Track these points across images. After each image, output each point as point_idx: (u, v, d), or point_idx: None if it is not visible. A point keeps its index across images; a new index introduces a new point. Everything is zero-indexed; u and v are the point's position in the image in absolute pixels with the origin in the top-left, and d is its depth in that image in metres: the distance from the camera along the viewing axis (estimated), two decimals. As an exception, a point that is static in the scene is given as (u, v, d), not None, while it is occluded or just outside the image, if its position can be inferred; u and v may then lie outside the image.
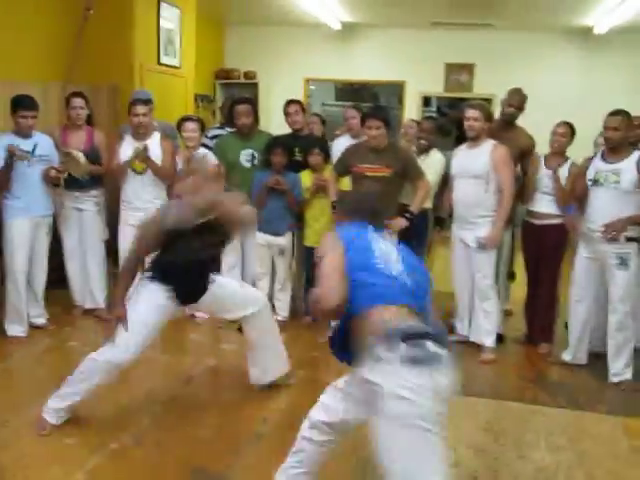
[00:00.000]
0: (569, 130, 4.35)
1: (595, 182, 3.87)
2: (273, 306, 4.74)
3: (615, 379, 3.92)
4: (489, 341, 4.27)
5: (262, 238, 4.65)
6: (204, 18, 7.65)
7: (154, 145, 4.47)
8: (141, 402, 3.41)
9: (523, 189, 4.42)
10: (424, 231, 4.69)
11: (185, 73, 6.83)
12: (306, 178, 4.62)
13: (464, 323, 4.49)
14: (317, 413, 2.44)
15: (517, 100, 4.50)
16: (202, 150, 4.61)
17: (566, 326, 4.31)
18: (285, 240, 4.68)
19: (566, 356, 4.20)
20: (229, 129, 5.15)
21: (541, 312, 4.49)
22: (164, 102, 5.90)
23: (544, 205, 4.35)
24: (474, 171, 4.13)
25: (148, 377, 3.77)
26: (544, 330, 4.49)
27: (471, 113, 4.14)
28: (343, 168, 4.41)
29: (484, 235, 4.12)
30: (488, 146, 4.14)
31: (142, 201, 4.47)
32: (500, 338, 4.50)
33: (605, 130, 3.86)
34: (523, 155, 4.45)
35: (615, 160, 3.81)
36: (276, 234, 4.64)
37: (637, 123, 4.26)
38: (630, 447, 3.16)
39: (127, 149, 4.47)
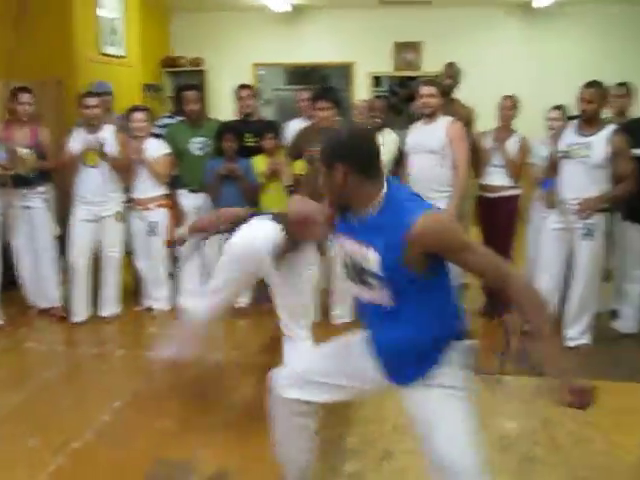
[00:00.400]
0: (514, 103, 4.42)
1: (566, 155, 3.87)
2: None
3: (571, 343, 4.02)
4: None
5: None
6: (148, 5, 7.49)
7: (108, 138, 4.37)
8: (102, 398, 3.36)
9: (475, 163, 4.47)
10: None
11: (131, 62, 6.69)
12: (260, 163, 4.59)
13: None
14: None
15: (451, 71, 4.65)
16: (152, 140, 4.53)
17: None
18: None
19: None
20: (179, 118, 5.10)
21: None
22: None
23: (496, 178, 4.41)
24: (430, 146, 4.15)
25: (107, 373, 3.72)
26: (503, 300, 4.56)
27: (426, 90, 4.15)
28: (296, 151, 4.38)
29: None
30: (444, 122, 4.17)
31: (96, 195, 4.38)
32: None
33: (580, 102, 3.82)
34: (466, 126, 4.44)
35: (588, 133, 3.80)
36: None
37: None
38: (589, 410, 3.23)
39: (78, 142, 4.36)
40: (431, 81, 4.30)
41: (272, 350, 4.03)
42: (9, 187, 4.26)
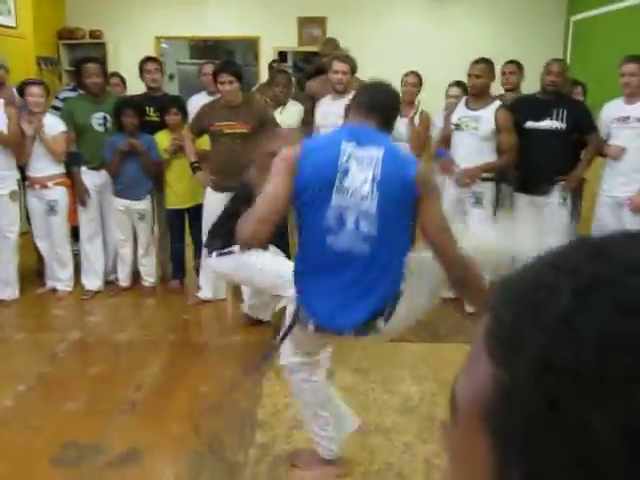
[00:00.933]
0: (417, 79, 4.53)
1: (457, 127, 4.09)
2: (138, 272, 4.67)
3: (470, 309, 4.25)
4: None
5: (120, 204, 4.50)
6: (39, -26, 7.13)
7: None
8: (3, 383, 3.24)
9: None
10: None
11: (23, 34, 6.38)
12: (163, 139, 4.50)
13: None
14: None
15: (331, 48, 4.99)
16: (49, 116, 4.35)
17: None
18: (144, 204, 4.56)
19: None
20: (81, 91, 4.93)
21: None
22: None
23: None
24: (334, 120, 4.18)
25: (8, 357, 3.60)
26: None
27: (340, 66, 4.21)
28: (199, 127, 4.32)
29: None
30: (350, 97, 4.22)
31: None
32: None
33: (468, 77, 4.03)
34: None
35: (476, 107, 4.02)
36: (135, 199, 4.50)
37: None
38: (485, 370, 3.43)
39: None
40: (345, 57, 4.32)
41: (180, 329, 4.04)
42: None
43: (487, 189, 4.10)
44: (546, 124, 4.02)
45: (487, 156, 4.01)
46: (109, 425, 2.86)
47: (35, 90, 4.30)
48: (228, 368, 3.42)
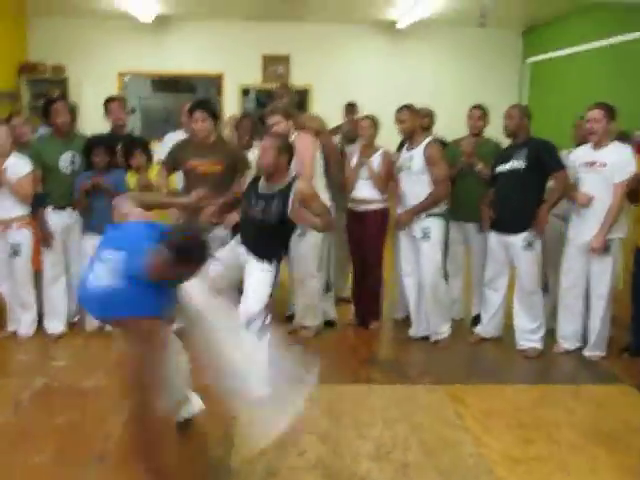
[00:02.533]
0: (372, 122, 4.64)
1: (399, 169, 4.40)
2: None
3: (434, 337, 4.46)
4: (308, 321, 4.59)
5: (94, 239, 4.45)
6: (1, 7, 7.07)
7: None
8: (-35, 435, 3.15)
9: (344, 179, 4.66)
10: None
11: (-17, 69, 6.29)
12: (130, 179, 4.48)
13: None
14: None
15: (283, 90, 4.93)
16: (15, 156, 4.26)
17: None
18: None
19: (411, 332, 4.59)
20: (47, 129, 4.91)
21: (369, 292, 4.77)
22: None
23: (364, 191, 4.59)
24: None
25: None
26: (373, 309, 4.79)
27: (273, 119, 4.21)
28: (173, 164, 4.35)
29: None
30: (296, 140, 4.27)
31: None
32: (332, 324, 4.77)
33: (396, 123, 4.34)
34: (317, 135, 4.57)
35: (411, 148, 4.33)
36: None
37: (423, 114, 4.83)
38: (455, 412, 3.47)
39: None
40: (274, 109, 4.32)
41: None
42: None
43: (432, 223, 4.29)
44: (508, 166, 4.20)
45: (425, 191, 4.25)
46: (77, 478, 2.79)
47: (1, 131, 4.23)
48: (197, 414, 3.38)
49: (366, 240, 4.65)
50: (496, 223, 4.31)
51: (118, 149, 4.53)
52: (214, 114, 4.21)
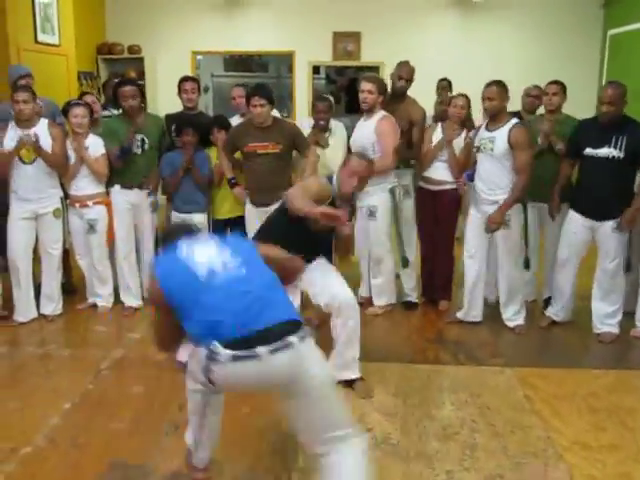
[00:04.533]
0: (467, 101, 4.55)
1: (478, 149, 4.17)
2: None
3: (510, 324, 4.33)
4: (378, 301, 4.60)
5: (179, 217, 4.64)
6: (80, -9, 7.29)
7: (42, 132, 4.23)
8: (50, 401, 3.32)
9: (418, 158, 4.60)
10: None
11: (66, 51, 6.52)
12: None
13: (366, 286, 4.79)
14: None
15: (406, 72, 4.55)
16: (92, 136, 4.43)
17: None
18: (201, 218, 4.68)
19: (460, 314, 4.46)
20: (114, 110, 5.04)
21: (440, 271, 4.73)
22: (46, 83, 5.62)
23: (439, 172, 4.54)
24: (362, 143, 4.35)
25: (54, 374, 3.68)
26: (444, 288, 4.75)
27: (365, 86, 4.29)
28: (233, 147, 4.48)
29: (373, 203, 4.38)
30: (375, 118, 4.34)
31: (33, 192, 4.27)
32: (412, 305, 4.79)
33: (482, 101, 4.09)
34: (412, 125, 4.55)
35: (493, 129, 4.07)
36: (192, 212, 4.63)
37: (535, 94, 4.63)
38: (524, 396, 3.42)
39: (12, 137, 4.20)
40: (372, 77, 4.41)
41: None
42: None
43: (513, 211, 4.12)
44: (604, 152, 3.95)
45: (508, 177, 4.04)
46: (154, 446, 2.91)
47: (78, 111, 4.38)
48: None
49: (440, 219, 4.60)
50: (583, 207, 4.10)
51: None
52: (270, 98, 4.27)
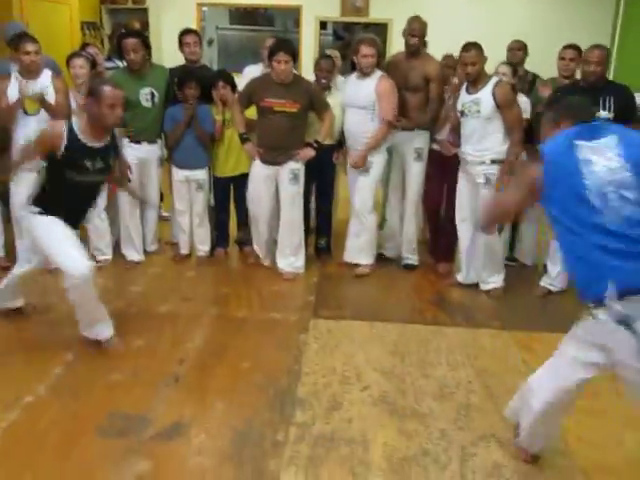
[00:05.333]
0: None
1: (462, 113, 4.15)
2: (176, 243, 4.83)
3: (484, 287, 4.40)
4: (363, 260, 4.62)
5: (180, 174, 4.62)
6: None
7: (46, 84, 4.18)
8: (51, 351, 3.36)
9: (437, 117, 4.51)
10: (332, 163, 4.73)
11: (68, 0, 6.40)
12: (216, 114, 4.57)
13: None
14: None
15: (418, 29, 4.39)
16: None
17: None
18: (203, 174, 4.66)
19: (460, 277, 4.48)
20: (118, 62, 4.97)
21: (443, 232, 4.73)
22: (49, 33, 5.56)
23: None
24: (360, 102, 4.32)
25: (55, 325, 3.71)
26: (445, 251, 4.76)
27: (365, 50, 4.25)
28: (247, 101, 4.38)
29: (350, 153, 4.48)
30: (375, 78, 4.30)
31: None
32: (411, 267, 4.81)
33: (462, 66, 4.06)
34: (429, 82, 4.41)
35: (474, 91, 4.06)
36: (194, 169, 4.61)
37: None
38: (521, 360, 3.46)
39: (15, 88, 4.13)
40: (371, 41, 4.30)
41: (220, 301, 4.12)
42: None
43: (496, 169, 4.12)
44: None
45: (495, 137, 4.06)
46: (154, 397, 2.96)
47: (77, 62, 4.34)
48: (268, 345, 3.51)
49: (446, 181, 4.57)
50: None
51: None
52: (294, 55, 4.21)
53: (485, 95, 4.00)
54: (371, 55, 4.24)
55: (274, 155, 4.31)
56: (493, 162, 4.10)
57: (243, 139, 4.43)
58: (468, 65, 3.99)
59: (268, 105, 4.23)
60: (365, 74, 4.32)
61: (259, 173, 4.40)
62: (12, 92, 4.15)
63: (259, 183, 4.39)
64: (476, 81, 4.03)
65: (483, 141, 4.08)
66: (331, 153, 4.64)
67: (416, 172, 4.60)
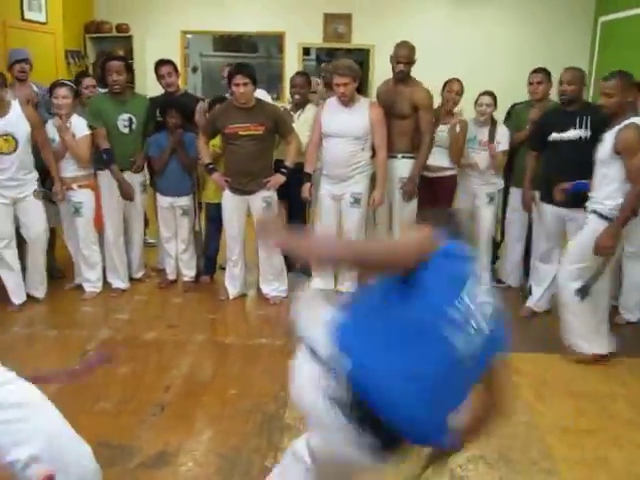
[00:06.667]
0: (460, 86, 4.58)
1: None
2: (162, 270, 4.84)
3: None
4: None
5: (165, 200, 4.63)
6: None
7: (16, 117, 4.08)
8: (35, 381, 3.32)
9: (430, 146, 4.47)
10: (301, 182, 4.54)
11: (53, 29, 6.46)
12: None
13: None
14: None
15: (405, 55, 4.36)
16: (76, 117, 4.35)
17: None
18: (187, 200, 4.68)
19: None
20: (101, 90, 4.96)
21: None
22: (34, 61, 5.53)
23: (438, 159, 4.56)
24: (355, 132, 4.24)
25: (41, 354, 3.68)
26: None
27: (342, 80, 4.14)
28: (212, 130, 4.34)
29: (374, 196, 4.37)
30: (364, 106, 4.27)
31: (12, 180, 4.12)
32: None
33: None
34: (417, 110, 4.37)
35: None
36: (178, 195, 4.62)
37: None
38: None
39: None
40: (344, 68, 4.17)
41: (209, 328, 4.11)
42: None
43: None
44: (571, 134, 3.94)
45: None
46: (140, 426, 2.93)
47: (61, 92, 4.27)
48: (254, 370, 3.50)
49: (437, 205, 4.57)
50: (550, 195, 4.00)
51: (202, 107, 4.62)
52: (253, 77, 4.14)
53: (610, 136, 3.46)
54: (344, 84, 4.13)
55: (244, 182, 4.25)
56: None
57: (209, 169, 4.37)
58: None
59: (233, 131, 4.19)
60: (347, 103, 4.24)
61: (230, 204, 4.36)
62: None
63: (232, 213, 4.36)
64: (613, 118, 3.49)
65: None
66: (299, 173, 4.46)
67: (411, 209, 4.51)
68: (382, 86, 4.64)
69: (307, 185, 4.45)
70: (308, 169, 4.47)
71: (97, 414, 3.03)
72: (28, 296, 4.40)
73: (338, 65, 4.26)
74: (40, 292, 4.46)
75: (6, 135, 4.02)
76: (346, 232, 4.46)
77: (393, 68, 4.42)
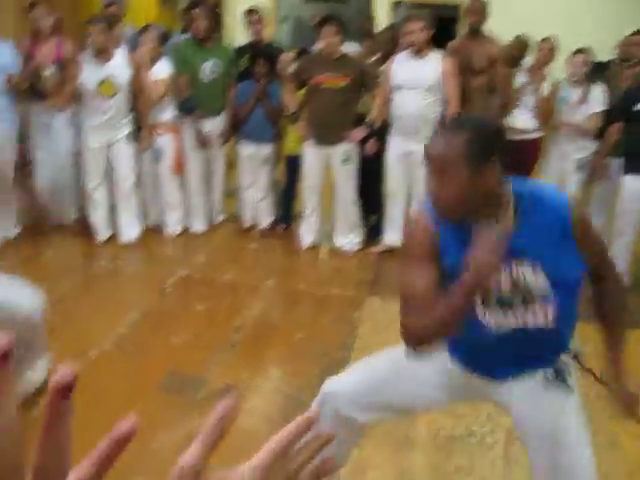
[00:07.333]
0: (552, 46, 4.43)
1: None
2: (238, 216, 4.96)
3: None
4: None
5: (247, 148, 4.72)
6: None
7: (119, 63, 4.23)
8: (117, 312, 3.53)
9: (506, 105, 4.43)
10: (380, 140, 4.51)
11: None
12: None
13: None
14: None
15: (476, 7, 4.29)
16: (161, 62, 4.42)
17: None
18: (269, 149, 4.73)
19: None
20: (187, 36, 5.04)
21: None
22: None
23: (522, 120, 4.43)
24: (426, 83, 4.11)
25: (123, 288, 3.89)
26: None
27: (414, 26, 4.04)
28: (299, 80, 4.36)
29: None
30: (436, 57, 4.15)
31: (110, 123, 4.31)
32: None
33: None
34: (492, 64, 4.32)
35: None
36: (261, 143, 4.69)
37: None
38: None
39: (90, 74, 4.19)
40: (418, 15, 4.12)
41: (280, 273, 4.22)
42: (25, 99, 4.25)
43: None
44: None
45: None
46: (210, 361, 3.07)
47: (148, 36, 4.38)
48: (323, 318, 3.58)
49: (518, 169, 4.46)
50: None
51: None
52: (341, 28, 4.12)
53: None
54: (420, 29, 4.02)
55: (325, 135, 4.28)
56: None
57: (293, 118, 4.42)
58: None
59: (317, 82, 4.20)
60: (417, 52, 4.10)
61: (310, 154, 4.40)
62: (87, 78, 4.23)
63: (312, 164, 4.41)
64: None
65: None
66: (381, 129, 4.37)
67: None
68: (455, 42, 4.56)
69: (372, 141, 4.38)
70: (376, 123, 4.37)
71: (171, 346, 3.20)
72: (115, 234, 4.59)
73: (411, 15, 4.24)
74: (132, 234, 4.55)
75: (107, 80, 4.17)
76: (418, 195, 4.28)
77: (468, 22, 4.36)
